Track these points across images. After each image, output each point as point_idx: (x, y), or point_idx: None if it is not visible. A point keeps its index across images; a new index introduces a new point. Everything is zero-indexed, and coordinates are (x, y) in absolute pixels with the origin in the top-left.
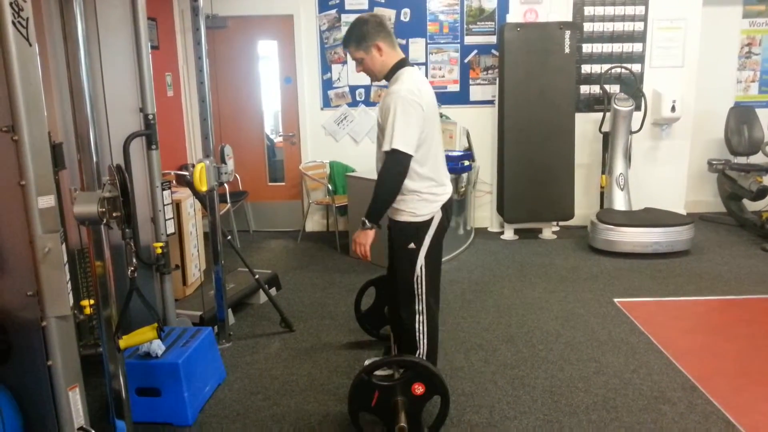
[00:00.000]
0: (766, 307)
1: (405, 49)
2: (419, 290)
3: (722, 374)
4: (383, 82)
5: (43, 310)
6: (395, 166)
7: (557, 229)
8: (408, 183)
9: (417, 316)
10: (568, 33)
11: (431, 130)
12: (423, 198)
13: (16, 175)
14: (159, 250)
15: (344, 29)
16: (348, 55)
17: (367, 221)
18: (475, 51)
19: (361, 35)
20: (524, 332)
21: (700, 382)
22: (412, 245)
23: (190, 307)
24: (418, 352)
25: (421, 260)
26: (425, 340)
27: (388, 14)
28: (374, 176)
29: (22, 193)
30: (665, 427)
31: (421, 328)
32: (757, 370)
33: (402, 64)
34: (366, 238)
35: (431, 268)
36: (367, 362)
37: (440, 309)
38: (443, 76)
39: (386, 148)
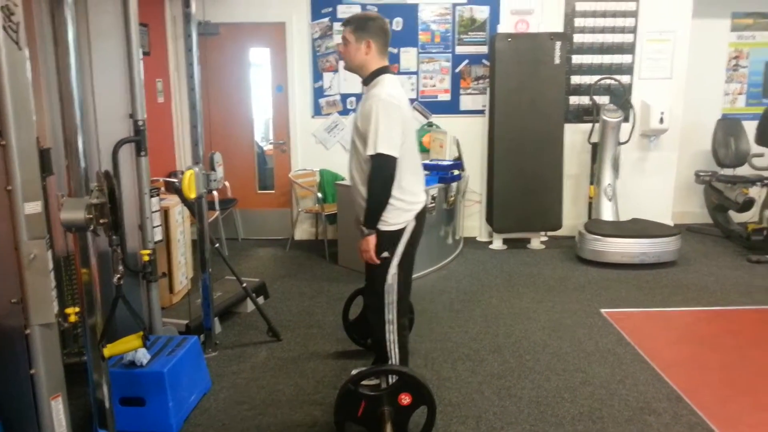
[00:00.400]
0: (752, 318)
1: (396, 57)
2: (389, 299)
3: (708, 385)
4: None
5: (27, 318)
6: (382, 170)
7: (545, 239)
8: None
9: (387, 326)
10: (558, 44)
11: (409, 134)
12: (397, 207)
13: (3, 180)
14: (146, 258)
15: (336, 38)
16: (339, 64)
17: (365, 229)
18: (467, 61)
19: (361, 26)
20: (511, 342)
21: (686, 393)
22: (385, 254)
23: (176, 315)
24: (390, 362)
25: (393, 269)
26: (396, 350)
27: None
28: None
29: (9, 199)
30: None
31: (391, 337)
32: (742, 381)
33: (384, 70)
34: (368, 245)
35: (402, 278)
36: (354, 372)
37: (428, 319)
38: (434, 86)
39: (371, 152)
